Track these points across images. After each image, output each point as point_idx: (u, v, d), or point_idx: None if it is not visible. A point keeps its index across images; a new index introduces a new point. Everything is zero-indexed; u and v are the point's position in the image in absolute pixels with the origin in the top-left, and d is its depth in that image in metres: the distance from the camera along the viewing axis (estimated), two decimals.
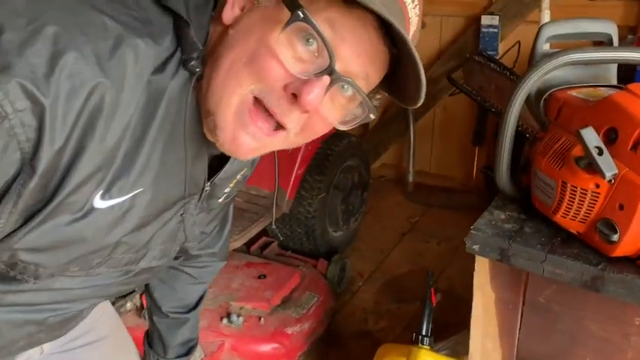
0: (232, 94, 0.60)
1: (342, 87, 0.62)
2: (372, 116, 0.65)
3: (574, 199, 0.86)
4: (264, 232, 2.33)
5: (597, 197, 0.83)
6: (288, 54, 0.59)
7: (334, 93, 0.62)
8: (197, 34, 0.61)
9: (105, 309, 1.05)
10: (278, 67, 0.58)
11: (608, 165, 0.79)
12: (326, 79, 0.58)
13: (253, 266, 2.15)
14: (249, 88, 0.60)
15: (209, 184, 0.76)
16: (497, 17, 2.63)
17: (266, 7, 0.60)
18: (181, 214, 0.75)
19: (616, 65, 0.99)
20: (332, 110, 0.64)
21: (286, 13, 0.57)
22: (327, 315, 2.08)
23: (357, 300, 2.33)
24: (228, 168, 0.76)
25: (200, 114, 0.66)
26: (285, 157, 2.25)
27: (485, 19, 2.66)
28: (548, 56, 0.92)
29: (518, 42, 2.49)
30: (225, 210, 0.99)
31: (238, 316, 1.90)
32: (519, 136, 1.00)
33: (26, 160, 0.52)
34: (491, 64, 1.33)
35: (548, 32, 0.99)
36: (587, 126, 0.81)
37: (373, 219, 2.88)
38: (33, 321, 0.76)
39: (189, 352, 1.15)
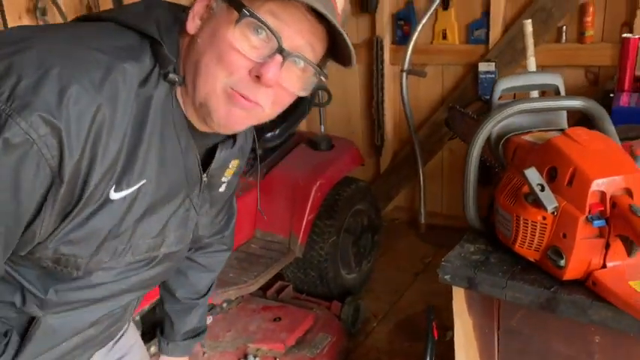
0: (215, 87, 0.75)
1: (294, 61, 0.76)
2: (323, 79, 0.80)
3: (527, 230, 0.97)
4: (279, 277, 2.46)
5: (545, 228, 0.94)
6: (245, 45, 0.73)
7: (289, 67, 0.76)
8: (170, 49, 0.76)
9: (137, 340, 1.20)
10: (239, 57, 0.73)
11: (549, 199, 0.90)
12: (278, 57, 0.73)
13: (269, 309, 2.27)
14: (224, 82, 0.74)
15: (205, 175, 0.88)
16: (494, 64, 2.78)
17: (220, 14, 0.75)
18: (187, 204, 0.88)
19: (565, 111, 1.11)
20: (291, 82, 0.77)
21: (236, 14, 0.73)
22: (340, 355, 2.17)
23: (371, 340, 2.41)
24: (218, 157, 0.89)
25: (184, 114, 0.81)
26: (296, 203, 2.40)
27: (483, 66, 2.81)
28: (501, 106, 1.05)
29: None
30: (230, 201, 1.12)
31: (255, 357, 2.00)
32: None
33: (55, 173, 0.67)
34: (469, 113, 1.47)
35: (503, 85, 1.12)
36: (530, 166, 0.94)
37: (387, 260, 2.98)
38: (85, 322, 0.89)
39: (198, 336, 1.26)
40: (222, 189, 0.98)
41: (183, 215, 0.88)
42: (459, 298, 1.12)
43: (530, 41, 2.18)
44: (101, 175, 0.71)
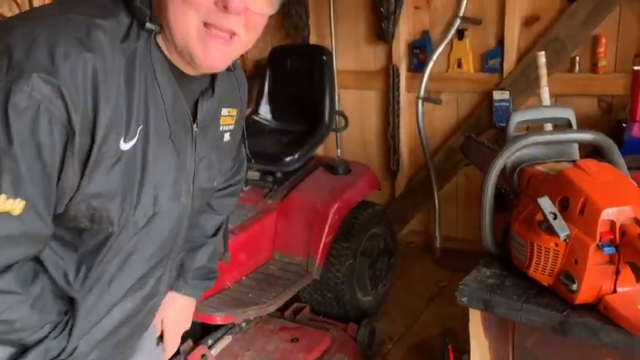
0: (189, 29, 0.80)
1: None
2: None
3: (540, 256, 1.03)
4: (296, 298, 2.51)
5: (558, 254, 1.00)
6: None
7: None
8: (142, 2, 0.81)
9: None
10: None
11: (561, 227, 0.96)
12: None
13: (287, 330, 2.32)
14: (195, 19, 0.79)
15: (195, 125, 0.92)
16: (508, 92, 2.85)
17: None
18: (194, 151, 0.94)
19: (576, 143, 1.17)
20: (258, 3, 0.81)
21: None
22: None
23: None
24: (201, 108, 0.92)
25: (168, 61, 0.85)
26: (313, 225, 2.46)
27: (497, 94, 2.88)
28: (515, 139, 1.12)
29: None
30: (239, 149, 1.19)
31: None
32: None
33: (67, 127, 0.74)
34: (485, 142, 1.53)
35: (518, 118, 1.19)
36: (544, 196, 1.00)
37: (403, 284, 3.01)
38: (126, 295, 0.94)
39: (207, 279, 1.29)
40: (226, 138, 1.04)
41: (190, 163, 0.94)
42: (476, 320, 1.17)
43: (543, 72, 2.24)
44: (107, 124, 0.77)
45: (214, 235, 1.28)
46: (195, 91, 0.93)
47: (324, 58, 2.81)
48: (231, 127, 1.04)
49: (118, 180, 0.82)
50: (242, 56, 3.85)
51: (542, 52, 2.29)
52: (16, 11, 2.48)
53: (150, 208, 0.88)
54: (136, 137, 0.81)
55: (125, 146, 0.80)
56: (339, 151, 3.43)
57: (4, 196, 0.73)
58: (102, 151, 0.78)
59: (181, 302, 1.26)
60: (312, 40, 3.57)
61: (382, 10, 3.09)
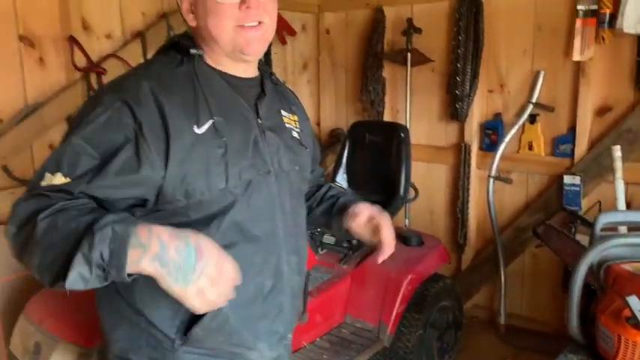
0: (230, 34, 1.11)
1: None
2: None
3: (628, 348, 1.14)
4: None
5: None
6: None
7: None
8: (185, 39, 1.18)
9: None
10: (227, 5, 1.09)
11: None
12: None
13: None
14: (231, 24, 1.10)
15: (259, 118, 1.18)
16: (579, 177, 2.94)
17: None
18: (258, 137, 1.16)
19: None
20: None
21: None
22: None
23: None
24: (260, 105, 1.20)
25: (218, 72, 1.16)
26: (387, 294, 2.59)
27: (568, 179, 2.98)
28: (603, 238, 1.25)
29: (599, 201, 2.77)
30: (312, 140, 1.42)
31: None
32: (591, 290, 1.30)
33: (134, 125, 1.02)
34: (565, 232, 1.66)
35: (605, 219, 1.32)
36: (631, 294, 1.12)
37: (466, 358, 3.06)
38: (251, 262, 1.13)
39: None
40: (294, 134, 1.29)
41: (261, 145, 1.17)
42: None
43: (618, 165, 2.34)
44: (175, 120, 1.04)
45: (320, 189, 1.50)
46: (251, 94, 1.21)
47: (402, 135, 3.02)
48: (297, 129, 1.31)
49: (202, 158, 1.06)
50: (318, 125, 4.14)
51: (618, 147, 2.40)
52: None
53: (237, 179, 1.11)
54: (208, 124, 1.08)
55: (199, 130, 1.07)
56: (407, 220, 3.58)
57: None
58: (178, 137, 1.04)
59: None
60: (387, 114, 3.80)
61: (457, 92, 3.29)
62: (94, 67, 2.70)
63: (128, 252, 0.88)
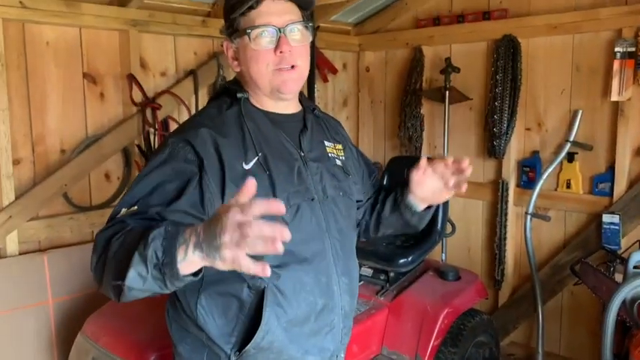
0: (269, 77, 1.25)
1: (290, 29, 1.24)
2: (310, 24, 1.28)
3: None
4: None
5: None
6: (263, 43, 1.23)
7: (290, 34, 1.24)
8: (233, 84, 1.33)
9: None
10: (264, 52, 1.24)
11: None
12: (280, 35, 1.23)
13: None
14: (269, 70, 1.24)
15: (302, 151, 1.30)
16: (618, 216, 2.94)
17: (241, 46, 1.26)
18: (301, 168, 1.28)
19: None
20: (298, 40, 1.26)
21: (247, 38, 1.23)
22: None
23: None
24: (303, 138, 1.32)
25: (263, 112, 1.30)
26: (423, 327, 2.62)
27: (607, 218, 2.98)
28: (635, 275, 1.30)
29: (639, 240, 2.76)
30: (367, 169, 1.55)
31: None
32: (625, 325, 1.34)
33: (198, 162, 1.16)
34: (602, 271, 1.70)
35: (638, 257, 1.37)
36: None
37: None
38: (308, 286, 1.23)
39: None
40: (337, 162, 1.39)
41: (307, 177, 1.28)
42: None
43: None
44: (229, 156, 1.18)
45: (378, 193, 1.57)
46: (294, 128, 1.33)
47: None
48: (341, 157, 1.41)
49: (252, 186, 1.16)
50: None
51: None
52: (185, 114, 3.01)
53: (286, 205, 1.13)
54: (254, 160, 1.21)
55: (247, 166, 1.20)
56: (444, 255, 3.62)
57: None
58: (231, 172, 1.17)
59: None
60: (425, 150, 3.88)
61: (495, 130, 3.36)
62: (150, 103, 2.90)
63: (177, 248, 0.88)
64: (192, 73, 3.09)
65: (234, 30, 1.26)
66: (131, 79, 2.84)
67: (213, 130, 1.21)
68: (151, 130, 2.90)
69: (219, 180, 1.16)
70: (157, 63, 3.03)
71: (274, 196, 1.20)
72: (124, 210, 1.10)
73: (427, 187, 1.36)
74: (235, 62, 1.30)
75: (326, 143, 1.40)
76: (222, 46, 1.32)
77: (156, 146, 2.86)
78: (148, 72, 2.99)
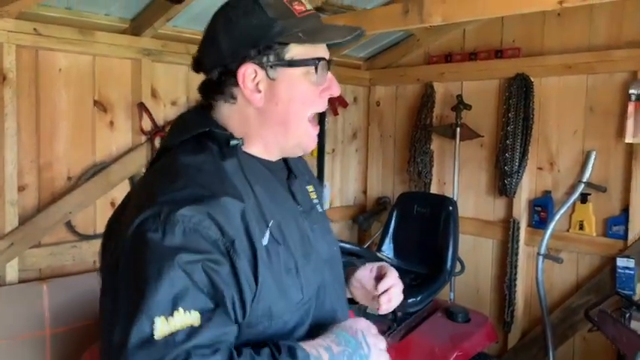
0: (305, 125, 1.02)
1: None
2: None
3: None
4: None
5: None
6: (318, 80, 1.02)
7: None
8: (217, 127, 1.00)
9: None
10: (315, 90, 1.02)
11: None
12: (330, 74, 1.04)
13: None
14: (307, 114, 1.01)
15: (300, 207, 1.07)
16: (633, 261, 2.87)
17: (284, 76, 0.99)
18: (304, 223, 1.06)
19: None
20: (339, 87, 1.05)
21: (306, 69, 1.00)
22: None
23: None
24: (294, 189, 1.09)
25: (254, 159, 1.02)
26: None
27: (621, 262, 2.90)
28: None
29: None
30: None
31: None
32: None
33: (223, 243, 0.87)
34: (623, 322, 1.62)
35: None
36: None
37: None
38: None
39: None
40: (319, 209, 1.18)
41: (308, 233, 1.07)
42: None
43: None
44: (254, 228, 0.92)
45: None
46: (283, 177, 1.09)
47: (451, 209, 3.04)
48: (317, 200, 1.19)
49: (274, 275, 0.93)
50: (364, 193, 4.20)
51: None
52: None
53: (309, 285, 1.01)
54: (267, 233, 0.95)
55: (264, 240, 0.94)
56: (452, 294, 3.53)
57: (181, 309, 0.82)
58: (260, 251, 0.92)
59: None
60: (434, 185, 3.84)
61: (506, 168, 3.31)
62: (159, 131, 2.88)
63: None
64: None
65: (277, 57, 0.99)
66: (141, 107, 2.83)
67: (232, 196, 0.92)
68: None
69: (251, 264, 0.91)
70: (169, 92, 3.02)
71: (298, 277, 0.98)
72: (161, 321, 0.81)
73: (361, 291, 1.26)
74: (258, 95, 1.00)
75: (307, 188, 1.18)
76: (236, 69, 0.99)
77: None
78: (159, 101, 2.98)
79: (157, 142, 2.88)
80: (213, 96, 1.04)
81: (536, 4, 2.01)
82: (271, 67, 0.99)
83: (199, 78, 1.10)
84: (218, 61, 1.00)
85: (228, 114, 1.03)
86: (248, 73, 0.99)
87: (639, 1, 2.94)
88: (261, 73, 0.99)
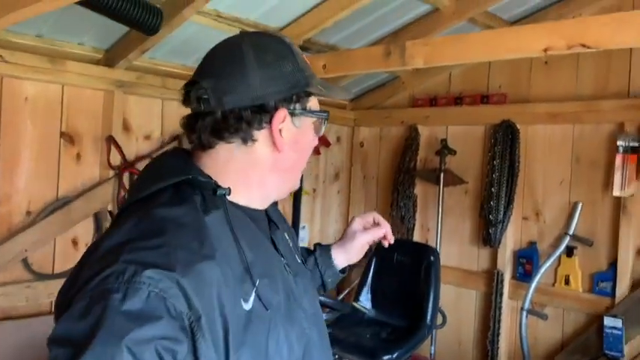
0: (301, 171, 1.04)
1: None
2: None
3: None
4: None
5: None
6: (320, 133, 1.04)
7: None
8: (201, 175, 0.91)
9: None
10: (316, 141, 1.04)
11: None
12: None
13: None
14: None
15: (283, 259, 1.01)
16: (621, 320, 2.73)
17: (303, 128, 0.99)
18: (290, 280, 0.99)
19: None
20: None
21: (316, 121, 1.01)
22: None
23: None
24: (277, 240, 1.03)
25: (239, 208, 0.95)
26: None
27: (609, 321, 2.77)
28: None
29: None
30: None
31: None
32: None
33: (188, 318, 0.76)
34: None
35: None
36: None
37: None
38: None
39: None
40: (297, 258, 1.11)
41: (297, 295, 1.00)
42: None
43: None
44: (230, 296, 0.82)
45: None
46: (262, 225, 1.01)
47: (432, 258, 2.91)
48: (292, 249, 1.11)
49: (258, 343, 0.85)
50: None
51: None
52: None
53: (295, 347, 0.93)
54: (253, 295, 0.86)
55: (247, 305, 0.85)
56: (432, 348, 3.36)
57: None
58: (234, 325, 0.82)
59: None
60: (417, 232, 3.71)
61: (491, 217, 3.20)
62: (128, 167, 2.74)
63: None
64: (177, 138, 2.96)
65: (302, 106, 0.97)
66: (110, 140, 2.70)
67: (211, 258, 0.81)
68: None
69: (221, 338, 0.80)
70: (142, 126, 2.90)
71: (286, 341, 0.90)
72: None
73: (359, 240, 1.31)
74: (281, 140, 0.94)
75: (286, 236, 1.10)
76: (274, 110, 0.93)
77: None
78: (132, 135, 2.85)
79: (126, 177, 2.74)
80: (224, 135, 0.93)
81: (521, 50, 1.94)
82: (296, 114, 0.97)
83: (175, 112, 0.97)
84: (250, 100, 0.92)
85: (229, 157, 0.95)
86: (282, 116, 0.94)
87: (625, 52, 2.90)
88: (288, 118, 0.96)
